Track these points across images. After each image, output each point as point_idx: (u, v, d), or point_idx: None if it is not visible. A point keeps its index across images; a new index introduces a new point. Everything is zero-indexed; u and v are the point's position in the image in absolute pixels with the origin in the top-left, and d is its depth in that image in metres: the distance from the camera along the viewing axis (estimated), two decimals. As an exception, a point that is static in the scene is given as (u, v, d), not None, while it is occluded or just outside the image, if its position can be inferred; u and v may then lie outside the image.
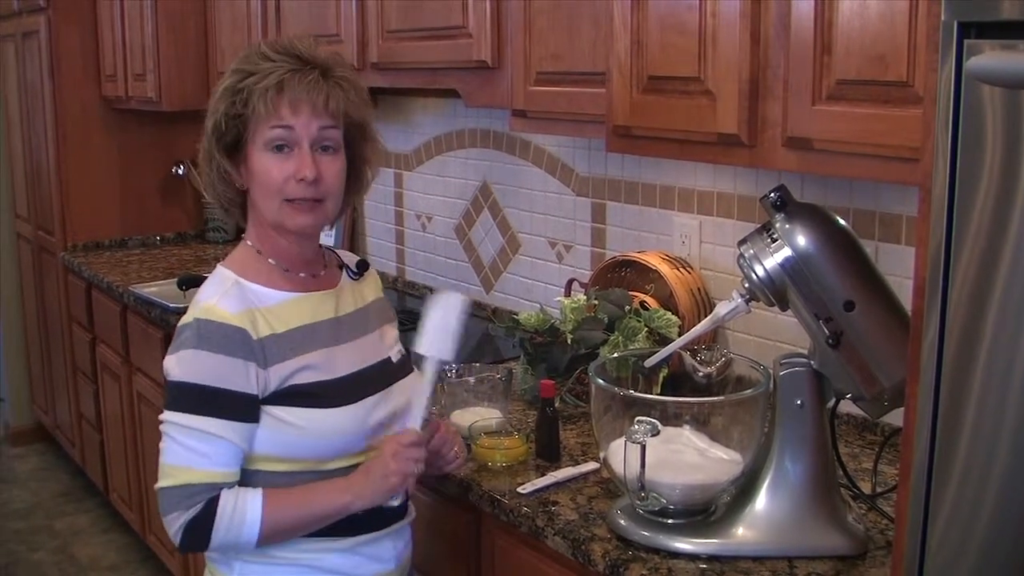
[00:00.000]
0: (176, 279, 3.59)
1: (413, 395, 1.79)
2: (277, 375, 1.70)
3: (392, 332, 1.95)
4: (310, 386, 1.73)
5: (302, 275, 1.82)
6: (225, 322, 1.68)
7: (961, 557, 1.16)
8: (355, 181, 1.84)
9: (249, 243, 1.82)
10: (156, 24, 4.11)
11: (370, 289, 1.95)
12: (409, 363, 1.92)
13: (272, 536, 1.70)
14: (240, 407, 1.68)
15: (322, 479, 1.74)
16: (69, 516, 4.61)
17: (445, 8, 2.61)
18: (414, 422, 1.76)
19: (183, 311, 3.24)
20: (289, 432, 1.71)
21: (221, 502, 1.66)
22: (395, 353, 1.91)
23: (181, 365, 1.69)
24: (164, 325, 3.46)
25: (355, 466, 1.77)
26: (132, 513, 4.12)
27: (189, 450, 1.66)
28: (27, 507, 4.70)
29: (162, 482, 1.68)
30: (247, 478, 1.71)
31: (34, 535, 4.43)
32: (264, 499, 1.68)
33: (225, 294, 1.72)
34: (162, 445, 1.69)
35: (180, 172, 4.68)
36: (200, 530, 1.65)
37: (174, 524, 1.66)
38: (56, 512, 4.65)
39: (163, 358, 3.57)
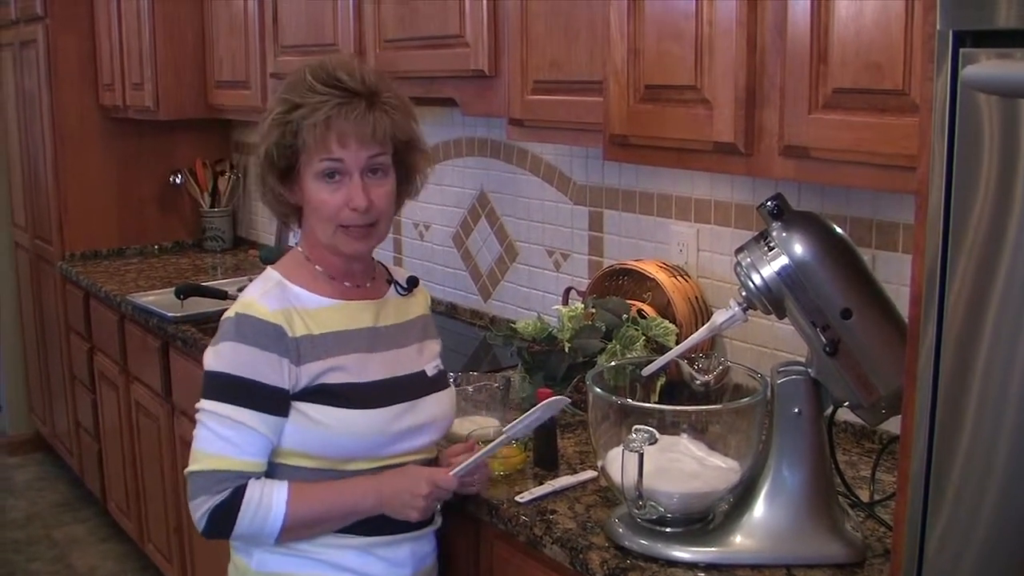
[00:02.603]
0: (174, 288, 3.59)
1: (474, 452, 1.87)
2: (308, 373, 1.76)
3: (433, 347, 1.99)
4: (339, 387, 1.78)
5: (347, 284, 1.88)
6: (263, 318, 1.75)
7: (959, 565, 1.16)
8: (406, 188, 1.91)
9: (300, 249, 1.89)
10: (153, 33, 4.11)
11: (417, 306, 2.00)
12: (445, 379, 1.98)
13: (295, 529, 1.75)
14: (271, 400, 1.73)
15: (343, 479, 1.79)
16: (67, 526, 4.60)
17: (442, 17, 2.62)
18: (456, 471, 1.82)
19: (181, 320, 3.32)
20: (314, 429, 1.76)
21: (248, 491, 1.71)
22: (431, 368, 1.94)
23: (218, 356, 1.75)
24: (162, 334, 3.46)
25: (376, 470, 1.81)
26: (130, 522, 4.12)
27: (220, 438, 1.72)
28: (25, 517, 4.69)
29: (192, 466, 1.74)
30: (271, 471, 1.77)
31: (32, 545, 4.42)
32: (289, 492, 1.73)
33: (266, 293, 1.79)
34: (195, 431, 1.76)
35: (178, 181, 4.69)
36: (225, 517, 1.71)
37: (200, 508, 1.72)
38: (54, 522, 4.64)
39: (161, 367, 3.61)
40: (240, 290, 1.92)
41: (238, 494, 1.71)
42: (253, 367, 1.73)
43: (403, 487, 1.79)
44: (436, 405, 1.91)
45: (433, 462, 1.94)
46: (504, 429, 1.85)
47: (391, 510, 1.79)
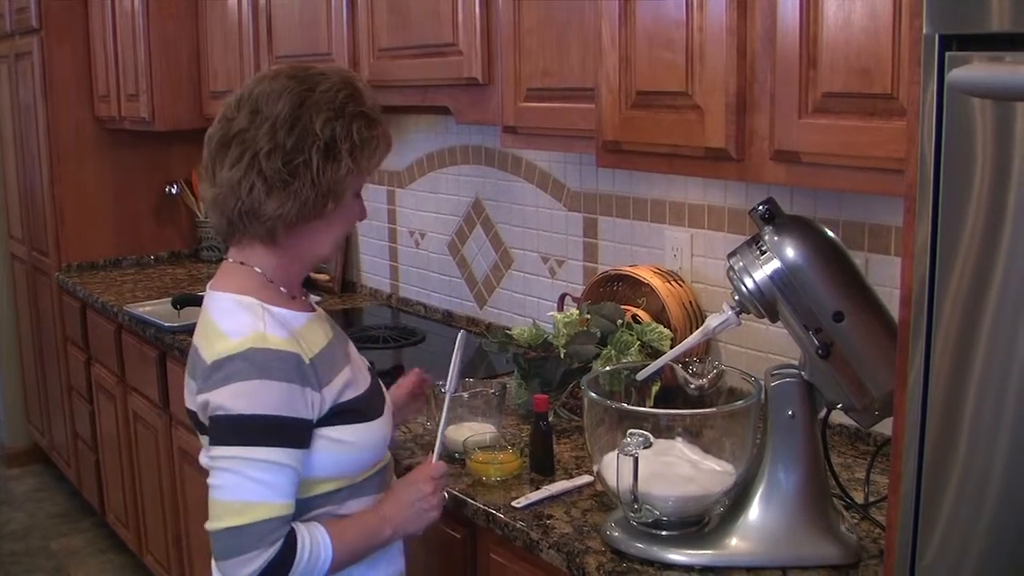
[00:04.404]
0: (171, 298, 3.60)
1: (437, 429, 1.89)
2: (330, 395, 1.69)
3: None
4: (354, 401, 1.74)
5: (304, 299, 1.83)
6: (283, 349, 1.64)
7: (961, 565, 1.16)
8: None
9: (258, 270, 1.74)
10: (148, 45, 4.12)
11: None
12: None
13: (332, 572, 1.69)
14: (301, 434, 1.65)
15: (352, 493, 1.76)
16: (65, 537, 4.60)
17: (435, 26, 2.63)
18: (436, 455, 1.83)
19: (178, 330, 3.33)
20: (340, 450, 1.71)
21: (300, 540, 1.62)
22: (368, 362, 1.94)
23: (243, 398, 1.60)
24: (159, 344, 3.47)
25: (378, 472, 1.81)
26: (129, 533, 4.12)
27: (261, 484, 1.59)
28: (23, 528, 4.69)
29: (229, 521, 1.59)
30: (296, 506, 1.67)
31: (30, 556, 4.42)
32: (329, 534, 1.67)
33: (267, 321, 1.66)
34: (219, 482, 1.61)
35: (173, 191, 4.69)
36: (279, 570, 1.60)
37: (251, 564, 1.58)
38: (52, 533, 4.64)
39: (158, 377, 3.60)
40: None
41: (289, 542, 1.61)
42: (283, 403, 1.61)
43: (407, 502, 1.77)
44: (389, 396, 1.92)
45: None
46: (443, 389, 1.92)
47: (411, 527, 1.78)
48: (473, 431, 2.17)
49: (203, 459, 1.69)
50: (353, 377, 1.77)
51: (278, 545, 1.59)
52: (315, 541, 1.64)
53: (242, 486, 1.59)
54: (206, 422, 1.67)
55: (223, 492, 1.60)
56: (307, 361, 1.66)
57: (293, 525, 1.64)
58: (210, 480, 1.63)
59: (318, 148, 1.64)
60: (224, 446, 1.61)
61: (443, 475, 1.81)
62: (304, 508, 1.69)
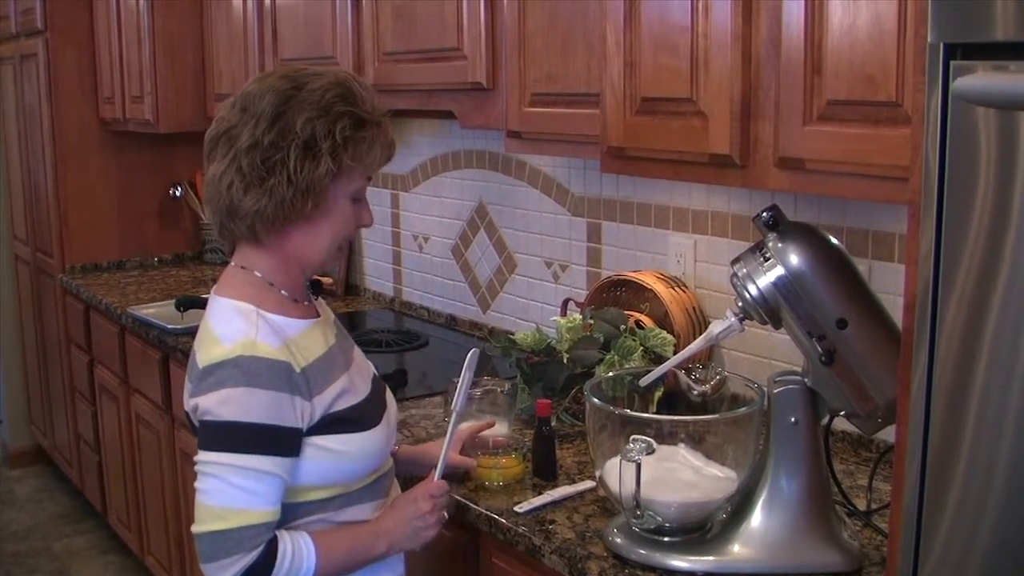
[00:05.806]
0: (174, 300, 3.60)
1: (440, 446, 1.87)
2: (321, 404, 1.69)
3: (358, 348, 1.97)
4: (348, 410, 1.73)
5: (306, 303, 1.81)
6: (272, 357, 1.63)
7: (960, 575, 1.16)
8: None
9: (258, 274, 1.74)
10: (153, 46, 4.13)
11: (326, 308, 1.92)
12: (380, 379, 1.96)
13: None
14: (290, 442, 1.65)
15: (349, 501, 1.76)
16: (67, 538, 4.60)
17: (440, 30, 2.63)
18: (439, 473, 1.82)
19: (181, 332, 3.33)
20: (330, 459, 1.71)
21: (281, 546, 1.63)
22: (373, 367, 1.93)
23: (230, 404, 1.61)
24: (162, 346, 3.47)
25: (375, 481, 1.80)
26: (131, 534, 4.12)
27: (243, 490, 1.60)
28: (25, 529, 4.69)
29: (212, 525, 1.60)
30: (283, 511, 1.68)
31: (32, 557, 4.43)
32: (315, 543, 1.67)
33: (259, 328, 1.66)
34: (204, 486, 1.62)
35: (178, 194, 4.70)
36: (259, 574, 1.61)
37: (231, 568, 1.59)
38: (54, 534, 4.64)
39: (161, 379, 3.60)
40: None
41: (271, 548, 1.61)
42: (270, 411, 1.61)
43: (404, 519, 1.77)
44: (392, 403, 1.91)
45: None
46: (452, 407, 1.88)
47: (408, 543, 1.78)
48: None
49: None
50: (351, 385, 1.77)
51: (259, 551, 1.60)
52: (298, 549, 1.64)
53: (225, 492, 1.61)
54: (197, 425, 1.68)
55: (207, 496, 1.62)
56: (298, 370, 1.66)
57: (277, 532, 1.64)
58: (196, 484, 1.64)
59: (296, 146, 1.64)
60: (210, 451, 1.63)
61: (443, 494, 1.81)
62: (295, 514, 1.70)
